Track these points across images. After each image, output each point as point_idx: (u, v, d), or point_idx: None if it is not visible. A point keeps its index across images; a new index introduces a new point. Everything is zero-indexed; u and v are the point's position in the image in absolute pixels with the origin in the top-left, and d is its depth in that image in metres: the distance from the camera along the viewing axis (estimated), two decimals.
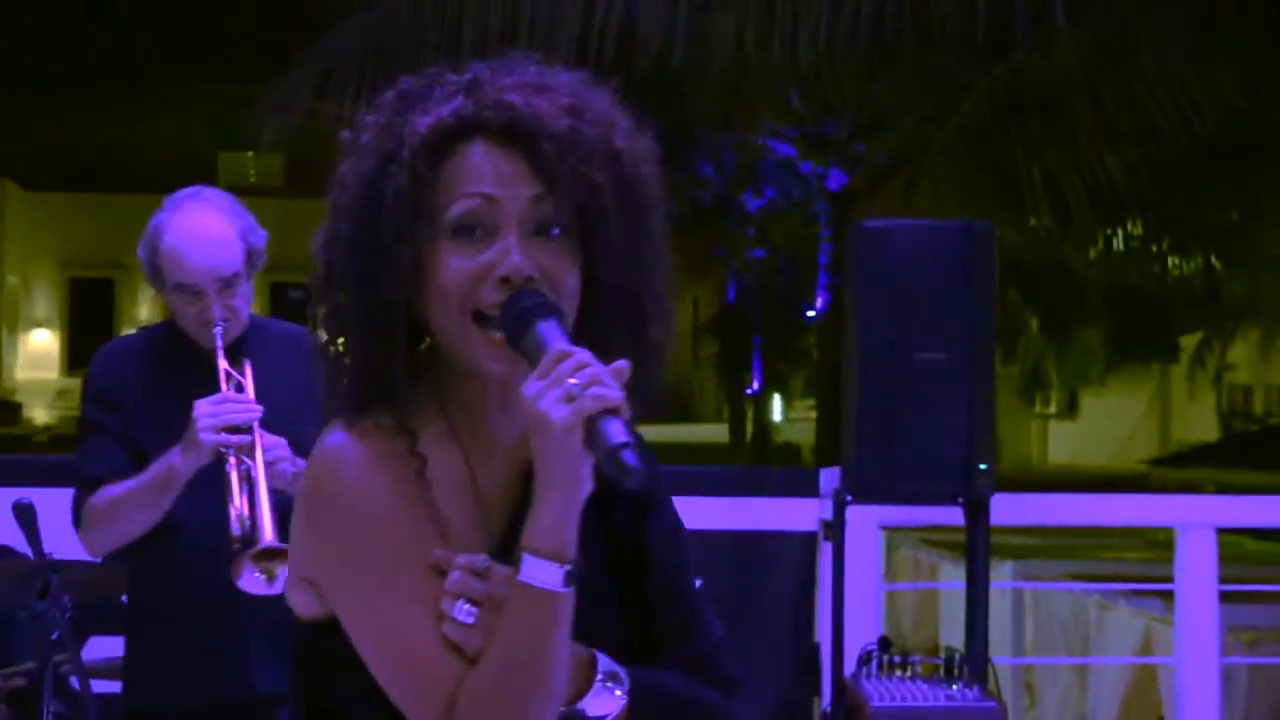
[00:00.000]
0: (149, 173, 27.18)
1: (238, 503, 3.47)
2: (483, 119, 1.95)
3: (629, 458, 1.73)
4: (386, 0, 10.49)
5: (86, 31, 19.01)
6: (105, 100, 23.57)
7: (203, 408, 3.52)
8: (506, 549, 1.96)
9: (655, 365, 2.07)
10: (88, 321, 36.57)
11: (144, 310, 36.11)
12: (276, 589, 3.47)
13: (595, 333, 1.97)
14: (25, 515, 3.87)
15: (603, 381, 1.77)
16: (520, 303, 1.88)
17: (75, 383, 35.27)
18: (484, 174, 1.94)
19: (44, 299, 37.26)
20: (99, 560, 4.17)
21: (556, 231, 1.95)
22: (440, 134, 1.95)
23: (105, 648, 5.17)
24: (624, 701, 1.98)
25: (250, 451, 3.49)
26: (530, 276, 1.90)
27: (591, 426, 1.76)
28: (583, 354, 1.80)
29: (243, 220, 3.85)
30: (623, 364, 1.82)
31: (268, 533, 3.50)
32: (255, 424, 3.54)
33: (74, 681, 4.38)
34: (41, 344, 37.29)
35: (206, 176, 4.16)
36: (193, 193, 3.85)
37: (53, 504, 4.03)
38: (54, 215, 36.22)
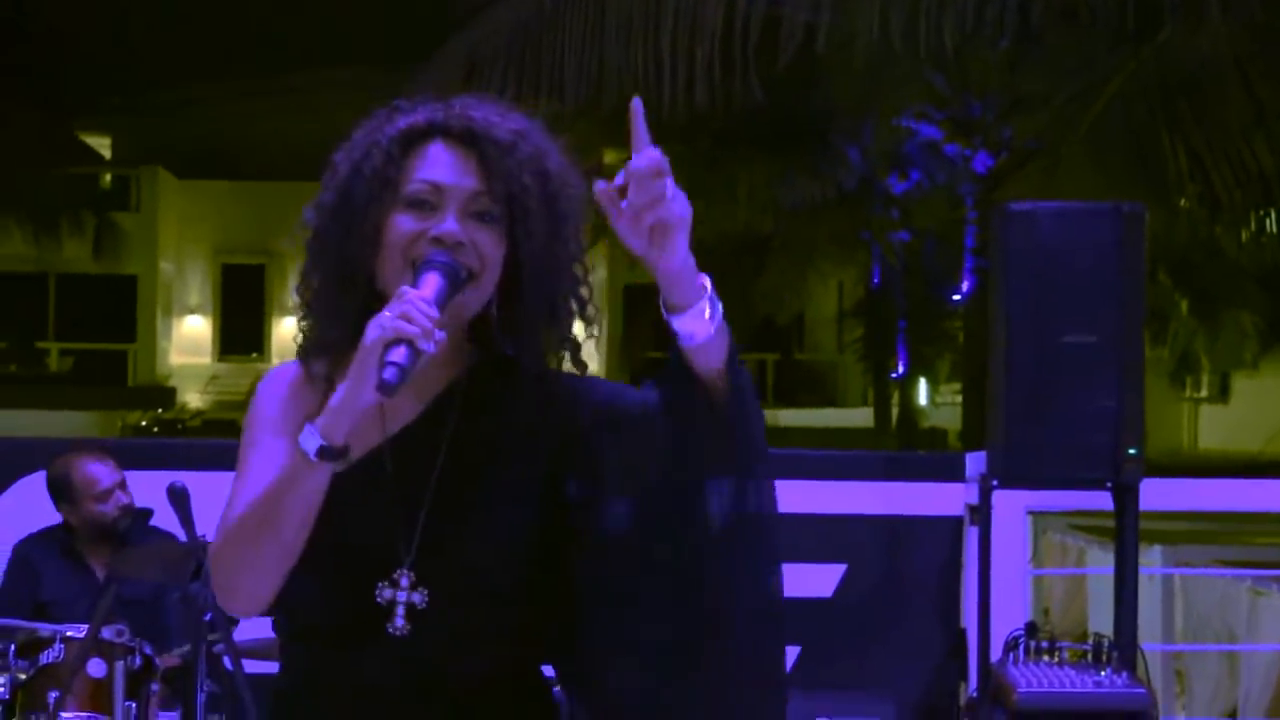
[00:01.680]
0: (298, 161, 27.35)
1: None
2: (446, 124, 2.37)
3: (387, 373, 2.09)
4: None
5: (235, 28, 19.24)
6: (255, 91, 23.87)
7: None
8: (390, 443, 2.33)
9: (566, 328, 2.40)
10: (239, 307, 36.97)
11: (293, 297, 36.37)
12: None
13: (516, 300, 2.36)
14: (179, 498, 3.92)
15: (409, 318, 2.11)
16: (433, 258, 2.25)
17: (227, 367, 35.88)
18: (439, 164, 2.34)
19: (197, 285, 37.60)
20: None
21: (489, 217, 2.32)
22: (412, 131, 2.37)
23: (257, 628, 5.23)
24: (715, 327, 2.17)
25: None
26: (460, 242, 2.27)
27: (384, 349, 2.10)
28: (408, 294, 2.14)
29: None
30: (421, 296, 2.15)
31: None
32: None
33: (227, 661, 4.42)
34: (195, 329, 37.64)
35: None
36: None
37: (206, 487, 4.07)
38: (206, 203, 36.50)
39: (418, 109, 2.40)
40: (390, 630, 2.25)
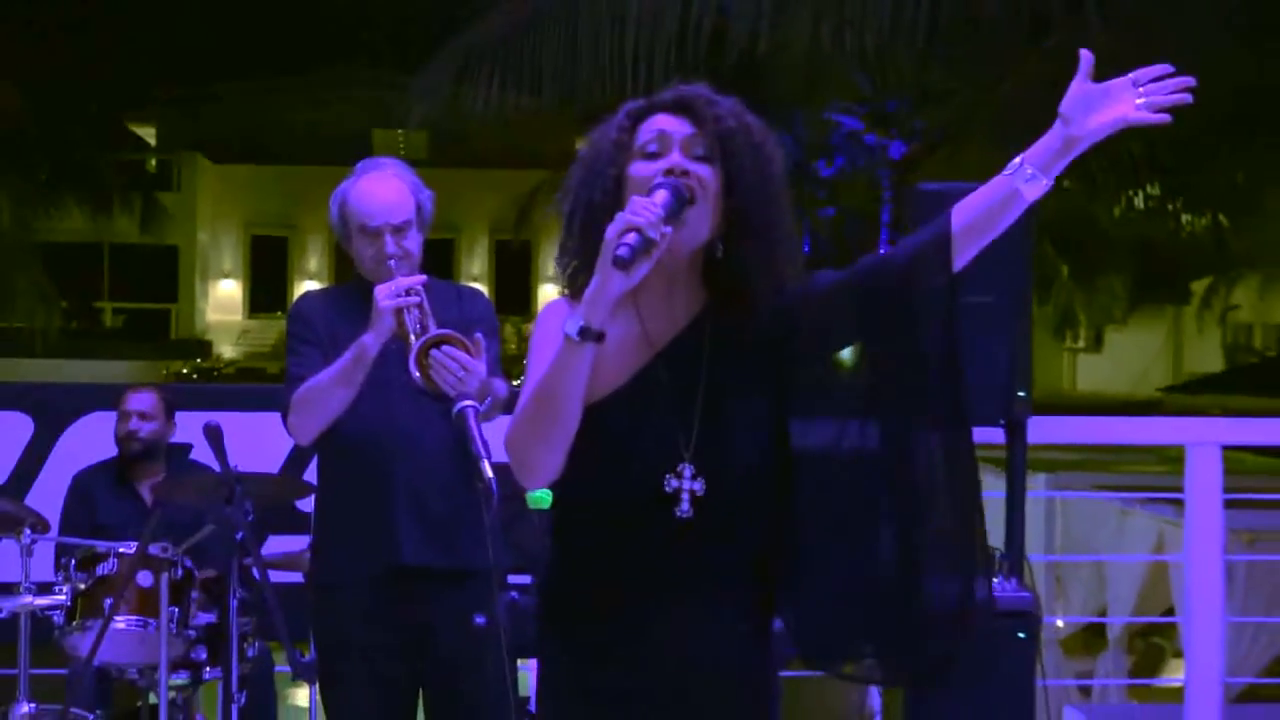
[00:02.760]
0: (317, 147, 27.38)
1: (411, 336, 3.47)
2: (663, 100, 2.55)
3: (620, 251, 2.28)
4: (514, 2, 10.49)
5: (260, 32, 19.11)
6: (280, 86, 23.69)
7: (380, 289, 3.57)
8: (665, 359, 2.48)
9: (782, 252, 2.51)
10: (265, 272, 37.03)
11: (312, 263, 36.46)
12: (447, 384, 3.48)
13: (739, 237, 2.47)
14: (214, 435, 3.90)
15: (637, 213, 2.30)
16: (660, 181, 2.40)
17: (256, 324, 35.82)
18: (661, 125, 2.50)
19: (229, 254, 37.58)
20: (276, 473, 4.21)
21: (706, 158, 2.45)
22: (638, 108, 2.55)
23: (281, 545, 5.23)
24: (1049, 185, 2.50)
25: (423, 312, 3.52)
26: (685, 170, 2.42)
27: (618, 237, 2.29)
28: (636, 200, 2.34)
29: (413, 181, 3.95)
30: (649, 200, 2.34)
31: (432, 327, 3.51)
32: (421, 288, 3.56)
33: (255, 572, 4.41)
34: (227, 292, 37.63)
35: (364, 151, 4.20)
36: (374, 161, 4.00)
37: (237, 425, 4.05)
38: (237, 183, 36.52)
39: (640, 100, 2.59)
40: (677, 514, 2.39)
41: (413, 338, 3.45)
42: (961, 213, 2.53)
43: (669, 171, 2.41)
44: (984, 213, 2.52)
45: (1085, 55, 2.42)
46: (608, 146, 2.51)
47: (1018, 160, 2.49)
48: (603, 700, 2.49)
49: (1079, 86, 2.43)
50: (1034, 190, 2.47)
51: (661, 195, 2.34)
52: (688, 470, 2.40)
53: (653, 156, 2.46)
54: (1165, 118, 2.42)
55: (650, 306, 2.49)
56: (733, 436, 2.45)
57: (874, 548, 2.50)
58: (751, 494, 2.44)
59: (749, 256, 2.46)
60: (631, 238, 2.28)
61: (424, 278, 3.66)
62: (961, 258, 2.52)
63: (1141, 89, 2.41)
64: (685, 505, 2.39)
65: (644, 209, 2.30)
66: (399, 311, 3.53)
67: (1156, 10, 9.87)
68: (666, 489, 2.40)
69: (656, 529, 2.40)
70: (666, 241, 2.33)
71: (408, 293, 3.56)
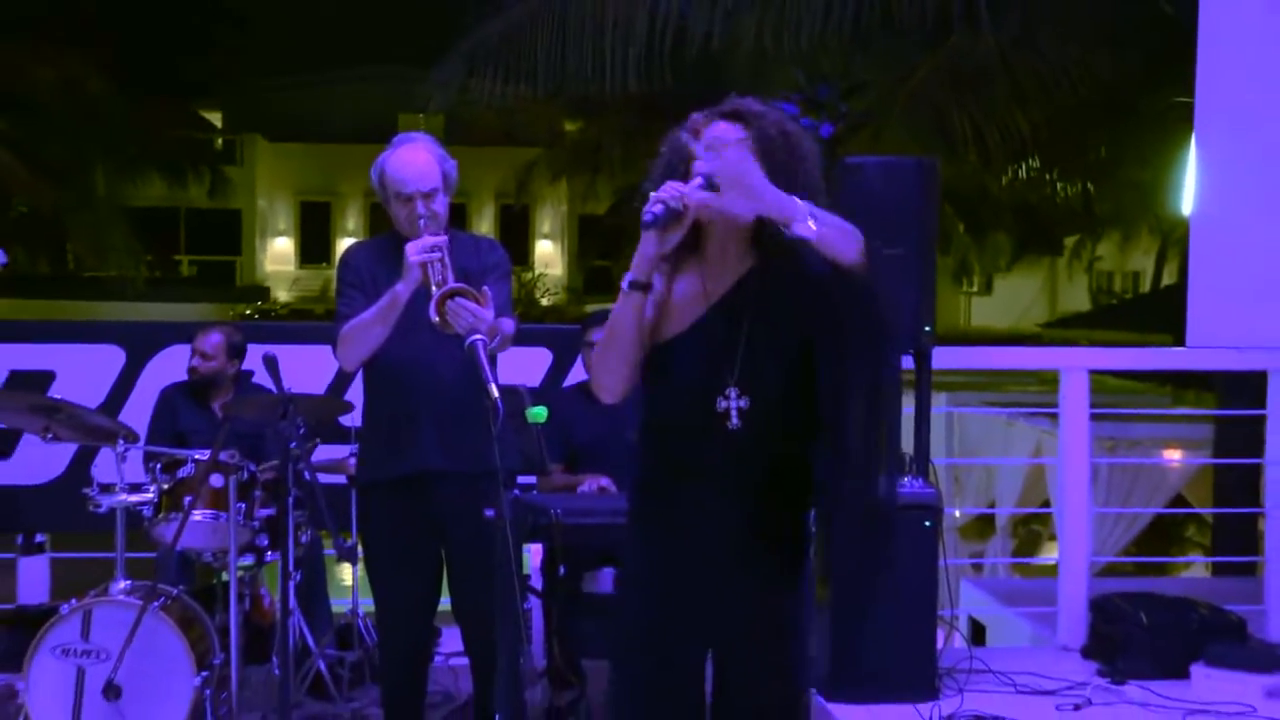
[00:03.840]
0: (352, 128, 27.33)
1: (434, 287, 3.47)
2: (723, 110, 2.72)
3: (645, 216, 2.54)
4: (517, 2, 10.47)
5: (305, 31, 18.95)
6: (322, 79, 23.51)
7: (410, 246, 3.57)
8: (717, 310, 2.67)
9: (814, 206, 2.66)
10: (313, 231, 36.91)
11: (350, 223, 36.30)
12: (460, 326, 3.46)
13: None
14: (271, 363, 3.90)
15: (663, 193, 2.56)
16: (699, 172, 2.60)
17: (305, 273, 35.73)
18: (719, 131, 2.67)
19: (283, 215, 37.43)
20: (323, 394, 4.20)
21: (752, 150, 2.63)
22: (698, 119, 2.72)
23: (327, 453, 5.23)
24: (818, 231, 2.62)
25: (443, 265, 3.51)
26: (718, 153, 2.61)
27: (654, 205, 2.55)
28: (667, 185, 2.60)
29: (440, 153, 3.93)
30: (679, 186, 2.59)
31: (450, 281, 3.50)
32: (444, 246, 3.55)
33: (306, 475, 4.41)
34: (281, 247, 37.48)
35: (392, 132, 4.16)
36: (408, 135, 3.98)
37: (290, 355, 4.04)
38: (288, 159, 36.33)
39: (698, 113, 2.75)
40: (729, 426, 2.61)
41: (434, 288, 3.44)
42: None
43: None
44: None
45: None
46: (682, 146, 2.70)
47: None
48: (676, 558, 2.70)
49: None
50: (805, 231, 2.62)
51: (698, 180, 2.55)
52: (734, 393, 2.62)
53: (713, 150, 2.66)
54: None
55: (710, 269, 2.69)
56: (767, 368, 2.64)
57: (850, 438, 2.67)
58: (783, 409, 2.65)
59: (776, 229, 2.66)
60: (657, 208, 2.50)
61: (445, 238, 3.64)
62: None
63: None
64: (735, 419, 2.62)
65: (669, 189, 2.54)
66: (425, 266, 3.52)
67: (1037, 17, 9.88)
68: (719, 408, 2.62)
69: (714, 436, 2.62)
70: (692, 213, 2.56)
71: (432, 250, 3.56)
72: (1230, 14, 6.40)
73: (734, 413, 2.62)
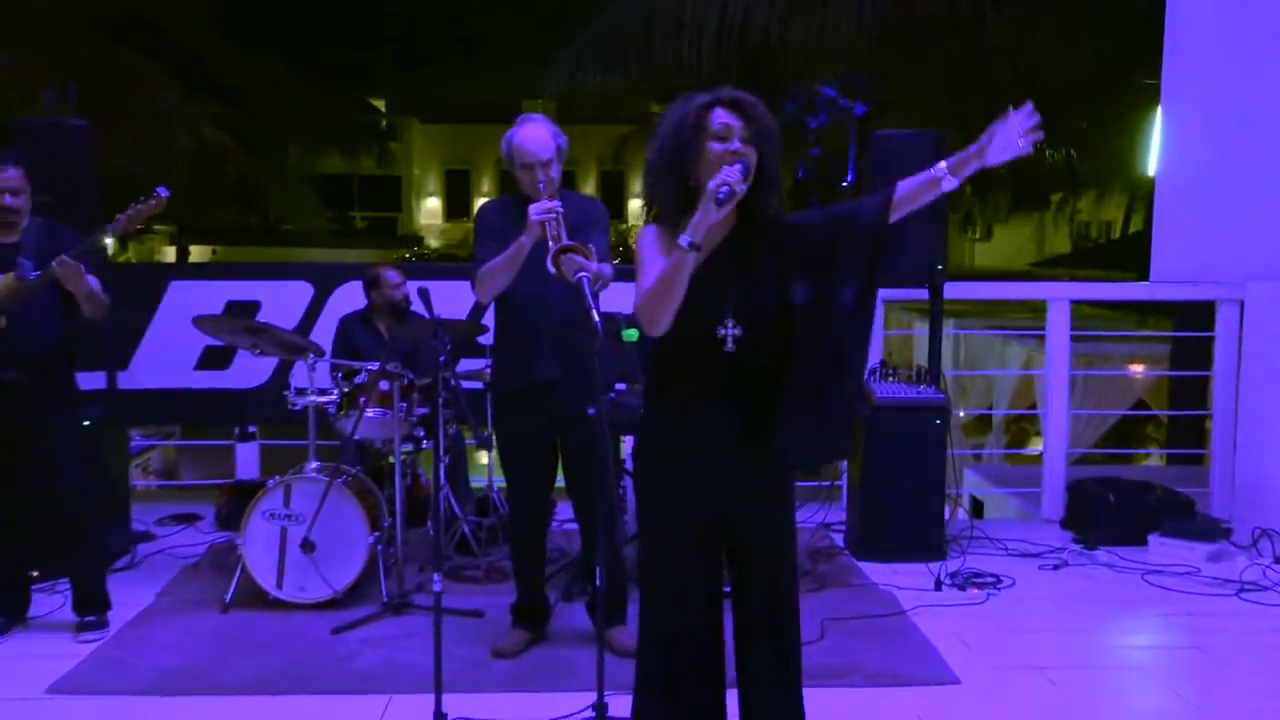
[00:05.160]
0: (484, 111, 27.25)
1: (550, 241, 3.45)
2: (722, 98, 2.59)
3: (721, 193, 2.43)
4: (621, 4, 10.34)
5: (449, 32, 18.85)
6: (462, 71, 23.40)
7: (532, 208, 3.55)
8: (714, 259, 2.58)
9: (777, 190, 2.63)
10: (455, 193, 37.13)
11: (484, 185, 36.40)
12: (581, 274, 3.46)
13: (761, 185, 2.56)
14: (425, 295, 3.90)
15: (729, 175, 2.46)
16: (735, 162, 2.51)
17: (450, 225, 36.04)
18: (725, 117, 2.56)
19: (433, 180, 37.66)
20: (464, 318, 4.21)
21: (751, 142, 2.55)
22: (707, 101, 2.59)
23: (468, 365, 5.27)
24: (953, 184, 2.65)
25: (557, 223, 3.48)
26: (743, 153, 2.53)
27: (716, 188, 2.44)
28: (725, 170, 2.47)
29: (554, 129, 3.88)
30: (733, 171, 2.48)
31: (564, 238, 3.48)
32: (559, 210, 3.51)
33: (452, 382, 4.44)
34: (431, 205, 37.75)
35: (516, 113, 4.13)
36: (530, 115, 3.92)
37: (439, 289, 4.05)
38: (437, 136, 36.50)
39: (703, 94, 2.60)
40: (727, 349, 2.57)
41: (550, 243, 3.42)
42: (902, 187, 2.62)
43: (736, 154, 2.52)
44: (915, 190, 2.62)
45: (1011, 111, 2.56)
46: (689, 126, 2.56)
47: (942, 164, 2.60)
48: (680, 452, 2.64)
49: (998, 128, 2.57)
50: (949, 185, 2.62)
51: (739, 167, 2.48)
52: (730, 323, 2.56)
53: (721, 139, 2.54)
54: (1029, 150, 2.58)
55: (711, 230, 2.56)
56: (758, 302, 2.57)
57: (823, 363, 2.58)
58: (770, 336, 2.57)
59: (765, 195, 2.59)
60: (724, 190, 2.42)
61: (560, 203, 3.60)
62: (895, 216, 2.61)
63: (1026, 131, 2.56)
64: (730, 344, 2.56)
65: (732, 173, 2.45)
66: (543, 224, 3.50)
67: (1032, 15, 9.60)
68: (718, 335, 2.56)
69: (713, 357, 2.57)
70: (741, 194, 2.48)
71: (549, 212, 3.54)
72: (1192, 8, 6.21)
73: (730, 339, 2.56)
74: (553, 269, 3.25)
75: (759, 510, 2.66)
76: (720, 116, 2.56)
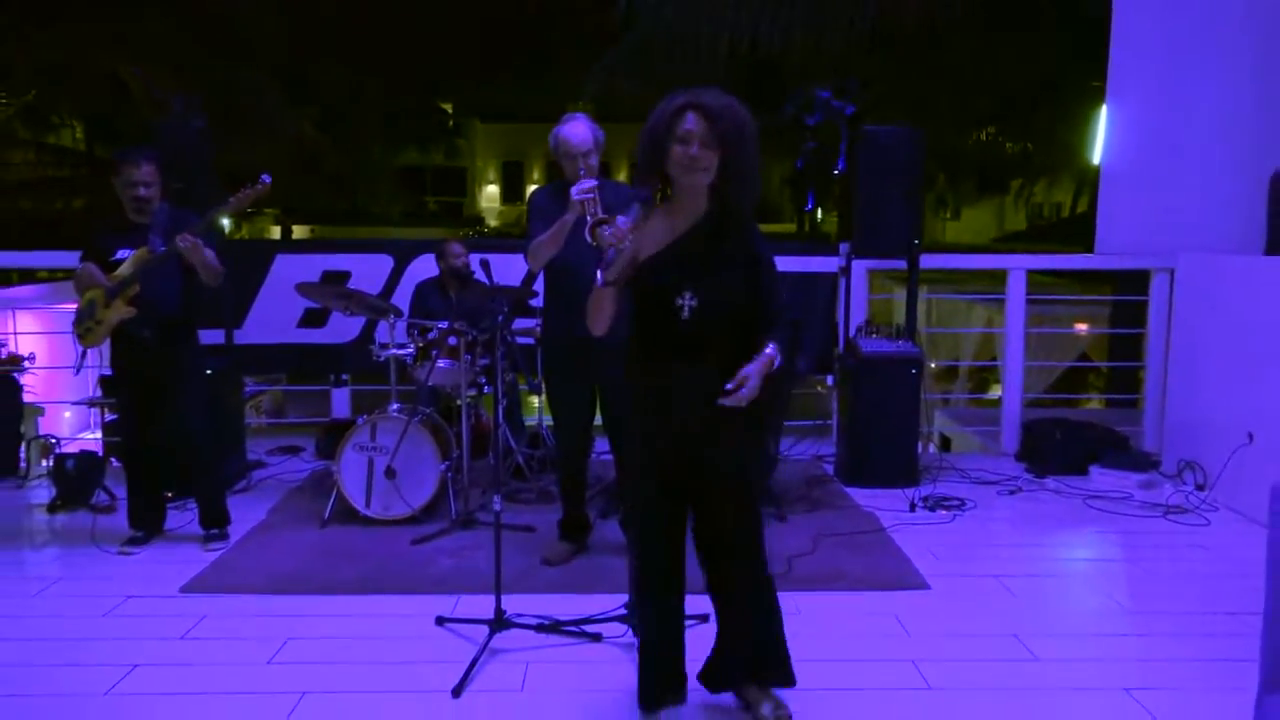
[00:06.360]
0: (536, 112, 27.06)
1: (588, 216, 3.42)
2: (692, 103, 2.44)
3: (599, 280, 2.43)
4: (648, 21, 10.16)
5: (507, 43, 18.65)
6: (516, 79, 23.17)
7: (573, 189, 3.51)
8: (679, 241, 2.50)
9: (750, 192, 2.48)
10: (511, 181, 36.96)
11: (535, 175, 36.22)
12: (606, 239, 3.46)
13: (728, 180, 2.44)
14: (485, 265, 3.88)
15: (582, 189, 2.66)
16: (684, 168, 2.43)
17: (507, 208, 35.89)
18: (691, 121, 2.43)
19: (492, 171, 37.49)
20: (518, 285, 4.18)
21: (712, 146, 2.43)
22: (679, 105, 2.45)
23: (522, 323, 5.25)
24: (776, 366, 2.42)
25: (594, 202, 3.45)
26: (698, 157, 2.42)
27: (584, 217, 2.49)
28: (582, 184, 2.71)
29: (593, 126, 3.84)
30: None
31: (600, 212, 3.46)
32: (596, 188, 3.48)
33: (509, 337, 4.43)
34: (491, 191, 37.62)
35: (561, 113, 4.07)
36: (572, 115, 3.88)
37: (497, 260, 4.03)
38: (495, 134, 36.25)
39: (680, 95, 2.44)
40: (683, 317, 2.46)
41: (588, 218, 3.39)
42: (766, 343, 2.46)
43: (692, 159, 2.42)
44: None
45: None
46: (662, 128, 2.44)
47: (769, 349, 2.43)
48: (652, 402, 2.55)
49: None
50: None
51: (593, 183, 2.51)
52: (688, 295, 2.46)
53: (683, 142, 2.42)
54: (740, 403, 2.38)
55: (678, 213, 2.51)
56: (713, 280, 2.46)
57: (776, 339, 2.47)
58: (723, 310, 2.47)
59: (731, 187, 2.46)
60: (605, 268, 2.39)
61: (596, 182, 3.56)
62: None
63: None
64: (686, 313, 2.46)
65: (586, 183, 2.55)
66: (583, 203, 3.47)
67: (994, 27, 9.40)
68: (677, 304, 2.47)
69: (673, 324, 2.47)
70: (629, 242, 2.41)
71: (587, 191, 3.50)
72: (1135, 19, 6.05)
73: (687, 309, 2.44)
74: (591, 240, 3.21)
75: (718, 445, 2.54)
76: (688, 121, 2.42)
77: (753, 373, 2.38)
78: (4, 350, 5.84)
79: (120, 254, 4.11)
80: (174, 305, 4.18)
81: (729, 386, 2.37)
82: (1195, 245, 5.69)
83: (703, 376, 2.46)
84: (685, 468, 2.56)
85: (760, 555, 2.68)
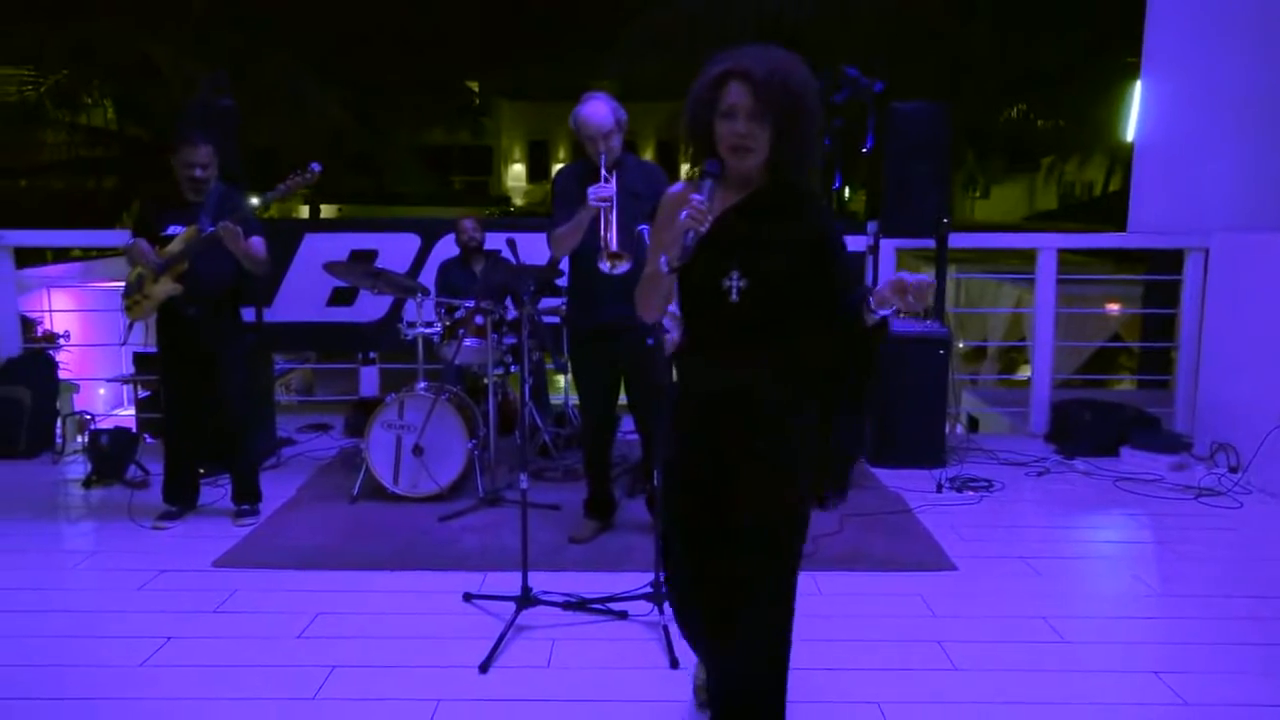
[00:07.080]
0: (561, 91, 26.94)
1: (602, 230, 3.42)
2: (734, 71, 2.13)
3: (665, 265, 2.18)
4: (656, 9, 10.14)
5: (533, 22, 18.58)
6: (540, 59, 23.11)
7: (590, 190, 3.51)
8: (728, 215, 2.24)
9: (809, 163, 2.20)
10: (536, 160, 36.91)
11: (560, 153, 36.14)
12: (619, 270, 3.49)
13: (783, 155, 2.17)
14: (512, 244, 3.88)
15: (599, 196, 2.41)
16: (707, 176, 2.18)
17: (532, 187, 35.91)
18: (734, 93, 2.14)
19: (518, 150, 37.43)
20: (544, 264, 4.18)
21: (762, 119, 2.13)
22: (718, 74, 2.15)
23: (547, 303, 5.25)
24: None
25: (610, 207, 3.44)
26: (746, 134, 2.15)
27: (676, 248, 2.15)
28: (696, 199, 2.14)
29: (615, 105, 3.80)
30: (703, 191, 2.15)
31: (613, 244, 3.47)
32: (613, 196, 3.48)
33: (535, 317, 4.43)
34: (517, 169, 37.60)
35: (584, 92, 4.04)
36: (593, 94, 3.84)
37: (523, 239, 4.02)
38: (521, 113, 36.16)
39: (720, 61, 2.16)
40: (731, 299, 2.21)
41: (600, 242, 3.41)
42: (873, 300, 2.17)
43: (739, 135, 2.14)
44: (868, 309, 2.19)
45: (923, 278, 2.16)
46: (703, 102, 2.16)
47: (871, 300, 2.17)
48: (698, 393, 2.30)
49: (910, 283, 2.16)
50: (871, 317, 2.20)
51: (700, 198, 2.13)
52: (735, 275, 2.19)
53: (728, 117, 2.13)
54: (919, 309, 2.20)
55: (734, 187, 2.23)
56: (763, 260, 2.19)
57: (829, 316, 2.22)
58: (773, 291, 2.20)
59: (784, 162, 2.17)
60: (677, 250, 2.14)
61: (612, 188, 3.55)
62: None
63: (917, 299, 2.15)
64: (734, 295, 2.20)
65: (605, 189, 2.33)
66: (599, 210, 3.47)
67: (1012, 13, 9.28)
68: (724, 286, 2.20)
69: (721, 307, 2.20)
70: (708, 223, 2.14)
71: (604, 200, 3.51)
72: None
73: (735, 290, 2.19)
74: (606, 267, 3.23)
75: (750, 468, 2.26)
76: (731, 94, 2.13)
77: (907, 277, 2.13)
78: (40, 328, 5.92)
79: (170, 230, 4.19)
80: (220, 284, 4.23)
81: (907, 278, 2.12)
82: (1229, 224, 5.60)
83: (749, 362, 2.23)
84: (703, 509, 2.29)
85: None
